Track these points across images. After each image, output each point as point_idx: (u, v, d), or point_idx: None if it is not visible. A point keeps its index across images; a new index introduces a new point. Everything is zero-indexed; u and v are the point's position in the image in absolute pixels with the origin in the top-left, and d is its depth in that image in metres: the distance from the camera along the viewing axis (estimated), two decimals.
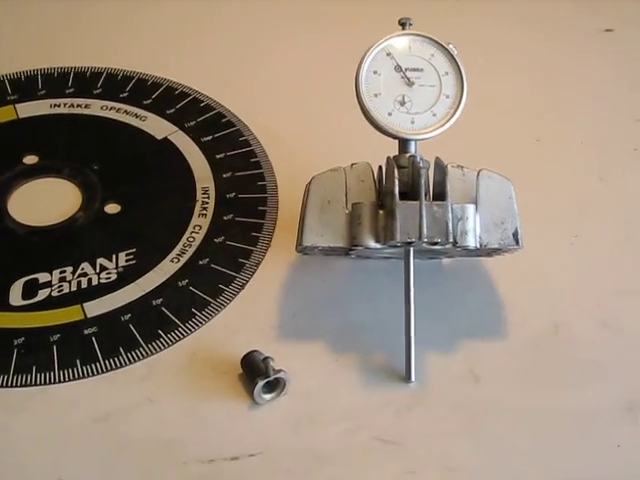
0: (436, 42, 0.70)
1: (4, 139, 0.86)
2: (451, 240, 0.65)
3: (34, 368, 0.69)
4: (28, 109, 0.89)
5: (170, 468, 0.63)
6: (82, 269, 0.75)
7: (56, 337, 0.70)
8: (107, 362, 0.69)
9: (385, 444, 0.65)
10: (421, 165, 0.67)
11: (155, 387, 0.68)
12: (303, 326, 0.72)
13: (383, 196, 0.68)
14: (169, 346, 0.70)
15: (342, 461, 0.64)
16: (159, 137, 0.86)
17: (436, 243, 0.65)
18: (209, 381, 0.68)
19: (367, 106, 0.68)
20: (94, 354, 0.69)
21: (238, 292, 0.74)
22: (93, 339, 0.70)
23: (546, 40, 0.99)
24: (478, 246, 0.67)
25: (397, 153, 0.70)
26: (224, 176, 0.82)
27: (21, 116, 0.88)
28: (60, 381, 0.68)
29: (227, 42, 0.98)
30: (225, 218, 0.79)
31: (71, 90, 0.90)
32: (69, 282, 0.74)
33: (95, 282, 0.74)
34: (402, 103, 0.69)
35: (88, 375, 0.68)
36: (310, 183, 0.69)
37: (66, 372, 0.68)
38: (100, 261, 0.75)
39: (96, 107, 0.89)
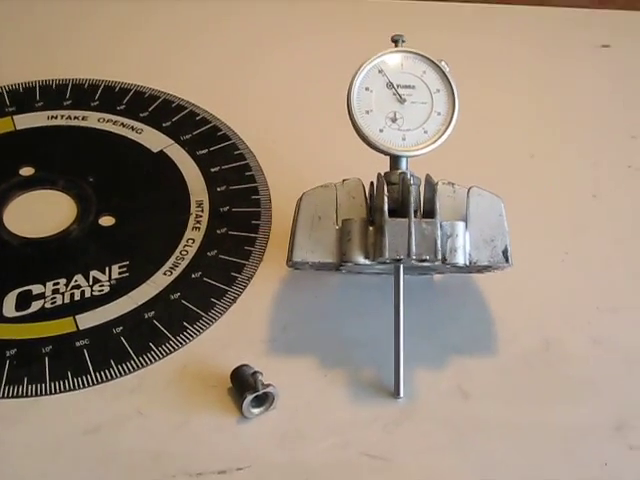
0: (428, 59, 0.71)
1: (1, 150, 0.87)
2: (440, 258, 0.65)
3: (26, 379, 0.69)
4: (25, 121, 0.89)
5: None
6: (75, 281, 0.75)
7: (48, 349, 0.71)
8: (98, 374, 0.69)
9: (373, 460, 0.65)
10: (411, 182, 0.68)
11: (145, 400, 0.68)
12: (293, 340, 0.72)
13: (373, 213, 0.68)
14: (160, 359, 0.70)
15: (330, 476, 0.64)
16: (155, 150, 0.86)
17: (425, 260, 0.65)
18: (199, 394, 0.68)
19: (358, 122, 0.69)
20: (85, 366, 0.70)
21: (230, 306, 0.74)
22: (85, 351, 0.71)
23: (542, 55, 0.99)
24: (467, 263, 0.68)
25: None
26: (218, 190, 0.83)
27: (18, 127, 0.88)
28: (51, 393, 0.68)
29: (224, 56, 0.98)
30: (218, 232, 0.79)
31: (69, 102, 0.91)
32: (62, 294, 0.74)
33: (88, 294, 0.74)
34: (393, 120, 0.69)
35: (79, 387, 0.69)
36: (301, 199, 0.70)
37: (57, 384, 0.69)
38: (93, 273, 0.76)
39: (93, 119, 0.89)
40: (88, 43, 0.99)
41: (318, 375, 0.70)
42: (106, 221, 0.80)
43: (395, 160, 0.70)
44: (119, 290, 0.75)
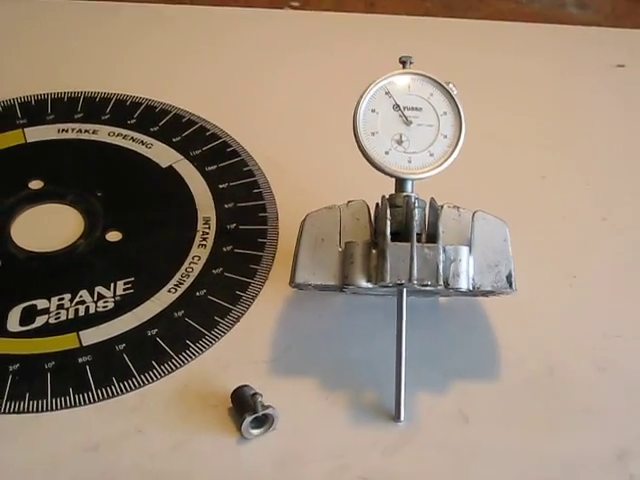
0: (436, 81, 0.70)
1: (11, 163, 0.87)
2: (441, 283, 0.65)
3: (27, 395, 0.69)
4: (36, 133, 0.89)
5: None
6: (80, 297, 0.75)
7: (51, 365, 0.71)
8: (99, 391, 0.69)
9: None
10: (416, 205, 0.67)
11: (145, 418, 0.68)
12: (295, 361, 0.72)
13: (377, 235, 0.68)
14: (161, 377, 0.70)
15: None
16: (164, 165, 0.86)
17: (426, 285, 0.65)
18: (199, 414, 0.68)
19: (364, 144, 0.69)
20: (87, 383, 0.70)
21: (233, 325, 0.74)
22: (87, 368, 0.71)
23: (556, 75, 0.99)
24: (471, 288, 0.67)
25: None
26: (226, 206, 0.83)
27: (29, 140, 0.89)
28: (52, 409, 0.69)
29: (237, 72, 0.98)
30: (224, 249, 0.79)
31: (80, 115, 0.91)
32: (67, 309, 0.74)
33: (92, 310, 0.74)
34: (399, 142, 0.69)
35: (80, 404, 0.69)
36: (304, 220, 0.69)
37: (58, 400, 0.69)
38: (98, 289, 0.76)
39: (103, 133, 0.89)
40: (101, 56, 0.99)
41: (319, 397, 0.70)
42: (113, 236, 0.80)
43: (400, 183, 0.69)
44: (123, 306, 0.75)
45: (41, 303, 0.75)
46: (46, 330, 0.73)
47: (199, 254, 0.79)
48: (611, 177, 0.88)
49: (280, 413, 0.67)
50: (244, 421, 0.66)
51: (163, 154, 0.87)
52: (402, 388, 0.67)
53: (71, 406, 0.69)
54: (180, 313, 0.74)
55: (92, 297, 0.75)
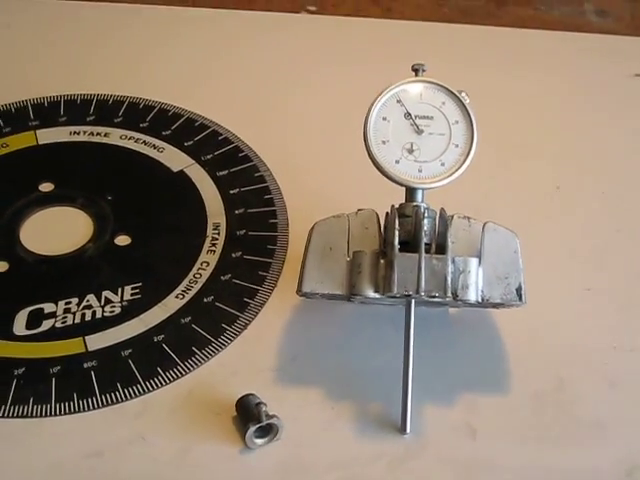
0: (448, 90, 0.70)
1: (22, 165, 0.87)
2: (449, 295, 0.64)
3: (31, 400, 0.69)
4: (48, 135, 0.89)
5: None
6: (87, 301, 0.75)
7: (56, 369, 0.70)
8: (103, 397, 0.69)
9: None
10: (426, 215, 0.67)
11: (149, 425, 0.68)
12: (302, 370, 0.71)
13: (385, 245, 0.67)
14: (166, 384, 0.70)
15: None
16: (175, 169, 0.86)
17: (434, 297, 0.64)
18: (203, 422, 0.68)
19: (374, 152, 0.68)
20: (91, 388, 0.69)
21: (240, 332, 0.73)
22: (92, 373, 0.70)
23: (573, 84, 0.98)
24: (480, 300, 0.66)
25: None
26: (236, 212, 0.82)
27: (41, 142, 0.88)
28: (56, 414, 0.68)
29: (251, 77, 0.98)
30: (233, 255, 0.79)
31: (92, 117, 0.91)
32: (73, 314, 0.74)
33: (99, 315, 0.74)
34: (410, 151, 0.68)
35: (84, 409, 0.68)
36: (312, 229, 0.69)
37: (63, 405, 0.68)
38: (105, 294, 0.75)
39: (115, 136, 0.89)
40: (115, 59, 0.99)
41: (325, 407, 0.69)
42: (122, 240, 0.80)
43: (410, 192, 0.69)
44: (130, 312, 0.74)
45: (48, 307, 0.74)
46: (52, 334, 0.73)
47: (208, 260, 0.78)
48: (626, 188, 0.87)
49: (285, 423, 0.66)
50: (248, 430, 0.65)
51: (174, 158, 0.87)
52: (409, 400, 0.67)
53: (75, 411, 0.68)
54: (187, 319, 0.74)
55: (99, 302, 0.75)
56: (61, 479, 0.65)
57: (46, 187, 0.84)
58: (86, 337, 0.72)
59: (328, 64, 0.99)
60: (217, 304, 0.75)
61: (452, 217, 0.69)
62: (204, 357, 0.71)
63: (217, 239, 0.80)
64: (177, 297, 0.75)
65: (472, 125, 0.69)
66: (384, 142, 0.68)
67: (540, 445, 0.67)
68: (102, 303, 0.75)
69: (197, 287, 0.76)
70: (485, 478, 0.65)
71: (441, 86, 0.70)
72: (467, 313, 0.75)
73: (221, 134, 0.90)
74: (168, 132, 0.89)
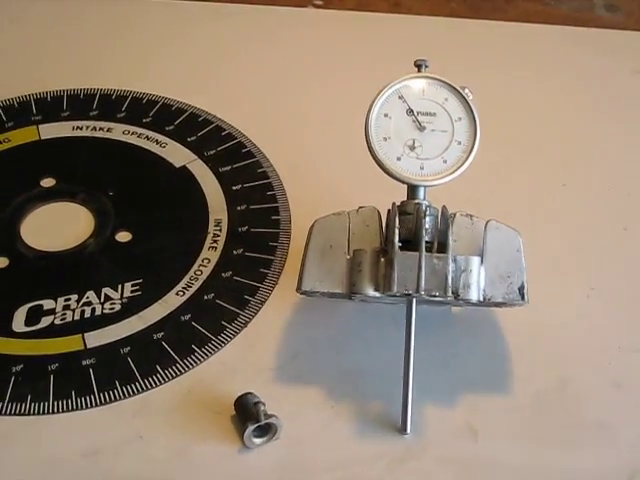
0: (451, 86, 0.69)
1: (24, 160, 0.86)
2: (450, 294, 0.63)
3: (29, 397, 0.68)
4: (50, 130, 0.89)
5: None
6: (87, 298, 0.74)
7: (54, 366, 0.70)
8: (102, 395, 0.68)
9: None
10: (427, 213, 0.66)
11: (147, 424, 0.67)
12: (302, 369, 0.70)
13: (386, 243, 0.66)
14: (165, 382, 0.69)
15: None
16: (177, 165, 0.85)
17: (435, 296, 0.63)
18: (201, 421, 0.67)
19: (375, 149, 0.67)
20: (90, 386, 0.69)
21: (240, 330, 0.73)
22: (90, 371, 0.70)
23: (582, 79, 0.97)
24: (481, 299, 0.66)
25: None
26: (238, 208, 0.81)
27: (43, 137, 0.88)
28: (53, 412, 0.68)
29: (255, 72, 0.97)
30: (235, 252, 0.78)
31: (95, 112, 0.90)
32: (73, 310, 0.73)
33: (98, 312, 0.73)
34: (412, 148, 0.67)
35: (82, 407, 0.68)
36: (312, 226, 0.68)
37: (60, 403, 0.68)
38: (105, 290, 0.75)
39: (118, 131, 0.88)
40: (118, 54, 0.99)
41: (325, 406, 0.68)
42: (123, 237, 0.79)
43: (412, 189, 0.68)
44: (130, 309, 0.74)
45: (47, 303, 0.74)
46: (51, 331, 0.72)
47: (209, 257, 0.77)
48: (634, 186, 0.85)
49: (284, 422, 0.65)
50: (246, 430, 0.64)
51: (177, 154, 0.86)
52: (409, 400, 0.66)
53: (73, 409, 0.68)
54: (187, 317, 0.73)
55: (99, 298, 0.74)
56: (58, 477, 0.64)
57: (48, 182, 0.84)
58: (85, 334, 0.72)
59: (333, 59, 0.98)
60: (218, 301, 0.74)
61: (454, 215, 0.68)
62: (203, 355, 0.71)
63: (219, 235, 0.79)
64: (177, 294, 0.75)
65: (475, 122, 0.68)
66: (386, 139, 0.67)
67: (542, 446, 0.66)
68: (102, 300, 0.74)
69: (198, 284, 0.75)
70: (486, 479, 0.64)
71: (444, 82, 0.69)
72: (469, 312, 0.74)
73: (224, 129, 0.89)
74: (171, 127, 0.89)
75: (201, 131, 0.89)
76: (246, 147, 0.87)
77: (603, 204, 0.84)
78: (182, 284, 0.75)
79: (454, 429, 0.67)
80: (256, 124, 0.89)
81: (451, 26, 1.04)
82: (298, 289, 0.68)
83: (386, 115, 0.68)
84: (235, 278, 0.76)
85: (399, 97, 0.68)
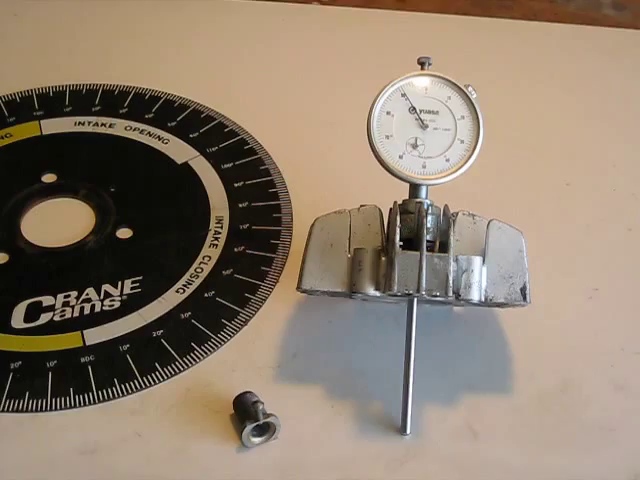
0: (454, 84, 0.68)
1: (25, 155, 0.86)
2: (451, 294, 0.63)
3: (27, 394, 0.68)
4: (52, 126, 0.88)
5: None
6: (87, 294, 0.74)
7: (53, 363, 0.70)
8: (100, 393, 0.68)
9: None
10: (429, 212, 0.65)
11: (145, 422, 0.67)
12: (302, 368, 0.70)
13: (388, 242, 0.66)
14: (164, 380, 0.69)
15: None
16: (179, 162, 0.85)
17: (435, 296, 0.63)
18: (200, 419, 0.67)
19: (377, 147, 0.67)
20: (88, 384, 0.68)
21: (240, 328, 0.72)
22: (89, 368, 0.69)
23: (587, 78, 0.96)
24: (483, 300, 0.65)
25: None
26: (240, 206, 0.81)
27: (44, 133, 0.88)
28: (51, 409, 0.67)
29: (258, 69, 0.96)
30: (236, 250, 0.77)
31: (97, 108, 0.90)
32: (72, 307, 0.73)
33: (98, 309, 0.73)
34: (414, 146, 0.67)
35: (80, 405, 0.67)
36: (313, 224, 0.68)
37: (58, 400, 0.68)
38: (105, 287, 0.74)
39: (120, 127, 0.88)
40: (121, 49, 0.98)
41: (324, 405, 0.68)
42: (123, 233, 0.79)
43: (414, 188, 0.67)
44: (129, 306, 0.73)
45: (47, 300, 0.74)
46: (50, 328, 0.72)
47: (210, 254, 0.77)
48: (639, 187, 0.85)
49: (283, 421, 0.65)
50: (244, 429, 0.64)
51: (179, 150, 0.86)
52: (409, 400, 0.65)
53: (71, 407, 0.67)
54: (187, 315, 0.73)
55: (98, 295, 0.74)
56: (55, 475, 0.64)
57: (49, 178, 0.84)
58: (84, 331, 0.72)
59: (338, 56, 0.98)
60: (218, 299, 0.74)
61: (456, 214, 0.67)
62: (203, 353, 0.70)
63: (220, 233, 0.79)
64: (177, 292, 0.74)
65: (478, 120, 0.67)
66: (388, 137, 0.67)
67: (543, 448, 0.66)
68: (101, 297, 0.74)
69: (198, 282, 0.75)
70: None
71: (447, 80, 0.68)
72: (471, 312, 0.73)
73: (227, 126, 0.88)
74: (173, 123, 0.88)
75: (203, 128, 0.88)
76: (248, 144, 0.87)
77: (607, 204, 0.83)
78: (182, 281, 0.75)
79: (454, 430, 0.66)
80: (259, 121, 0.89)
81: (457, 23, 1.03)
82: (298, 287, 0.67)
83: (388, 113, 0.67)
84: (236, 276, 0.75)
85: (402, 95, 0.68)
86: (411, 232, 0.66)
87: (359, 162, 0.80)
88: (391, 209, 0.68)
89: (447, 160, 0.67)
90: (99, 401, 0.68)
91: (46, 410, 0.67)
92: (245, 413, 0.65)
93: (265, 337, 0.72)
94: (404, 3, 1.07)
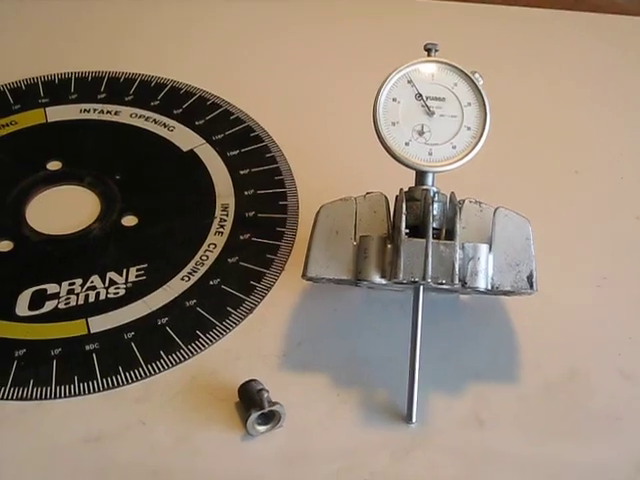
0: (461, 71, 0.67)
1: (30, 143, 0.85)
2: (457, 282, 0.62)
3: (32, 382, 0.68)
4: (57, 113, 0.88)
5: None
6: (91, 282, 0.74)
7: (57, 351, 0.69)
8: (104, 381, 0.68)
9: None
10: (435, 199, 0.65)
11: (149, 410, 0.66)
12: (308, 356, 0.70)
13: (393, 230, 0.65)
14: (169, 368, 0.69)
15: None
16: (185, 149, 0.84)
17: (441, 284, 0.62)
18: (205, 407, 0.66)
19: (383, 134, 0.66)
20: (93, 372, 0.68)
21: (245, 316, 0.72)
22: (94, 356, 0.69)
23: (595, 66, 0.96)
24: (489, 288, 0.65)
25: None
26: (246, 193, 0.80)
27: (50, 120, 0.87)
28: (56, 397, 0.67)
29: (265, 57, 0.96)
30: (242, 237, 0.77)
31: (103, 95, 0.90)
32: (77, 295, 0.73)
33: (103, 296, 0.73)
34: (421, 133, 0.66)
35: (84, 393, 0.67)
36: (319, 212, 0.67)
37: (63, 388, 0.67)
38: (110, 275, 0.74)
39: (125, 115, 0.87)
40: (128, 36, 0.98)
41: (330, 393, 0.67)
42: (129, 221, 0.79)
43: (420, 175, 0.67)
44: (134, 293, 0.73)
45: (51, 287, 0.73)
46: (55, 315, 0.72)
47: (215, 242, 0.77)
48: None
49: (288, 410, 0.65)
50: (249, 417, 0.64)
51: (185, 137, 0.85)
52: (415, 388, 0.65)
53: (75, 395, 0.67)
54: (192, 302, 0.72)
55: (103, 283, 0.73)
56: (59, 463, 0.64)
57: (54, 165, 0.83)
58: (89, 319, 0.71)
59: (343, 43, 0.97)
60: (223, 287, 0.73)
61: (463, 202, 0.67)
62: (208, 341, 0.70)
63: (225, 220, 0.78)
64: (183, 279, 0.74)
65: (485, 107, 0.67)
66: (394, 124, 0.66)
67: (549, 437, 0.65)
68: (106, 284, 0.73)
69: (203, 269, 0.75)
70: (492, 470, 0.64)
71: (454, 67, 0.68)
72: (477, 300, 0.73)
73: (233, 113, 0.88)
74: (179, 111, 0.88)
75: (209, 115, 0.88)
76: (254, 131, 0.86)
77: (615, 192, 0.83)
78: (187, 269, 0.74)
79: (460, 419, 0.66)
80: (265, 108, 0.89)
81: (463, 10, 1.03)
82: (304, 275, 0.67)
83: (395, 100, 0.67)
84: (241, 264, 0.75)
85: (408, 81, 0.67)
86: (417, 220, 0.65)
87: (365, 149, 0.79)
88: (397, 196, 0.67)
89: (454, 147, 0.66)
90: (103, 389, 0.67)
91: (50, 398, 0.67)
92: (250, 401, 0.64)
93: (270, 325, 0.71)
94: None
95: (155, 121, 0.87)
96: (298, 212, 0.79)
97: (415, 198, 0.66)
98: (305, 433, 0.65)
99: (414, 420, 0.65)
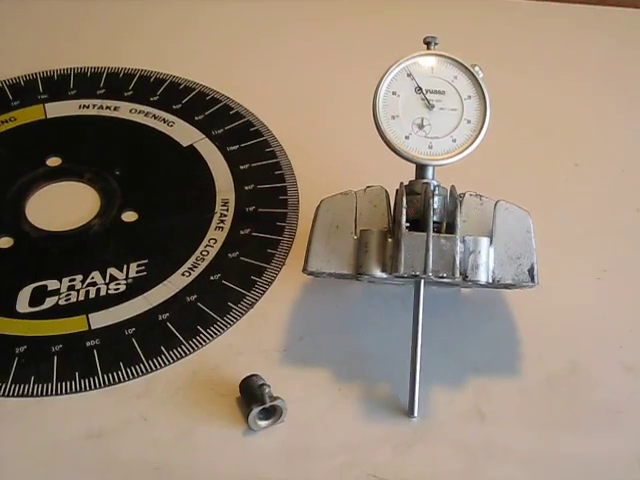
0: (460, 64, 0.67)
1: (30, 139, 0.85)
2: (458, 275, 0.62)
3: (32, 378, 0.68)
4: (57, 109, 0.88)
5: None
6: (92, 278, 0.74)
7: (58, 348, 0.69)
8: (106, 377, 0.68)
9: None
10: (436, 192, 0.65)
11: (151, 406, 0.66)
12: (309, 351, 0.69)
13: (394, 224, 0.65)
14: (170, 364, 0.69)
15: None
16: (185, 144, 0.84)
17: (442, 277, 0.62)
18: (206, 403, 0.66)
19: (383, 128, 0.66)
20: (94, 368, 0.68)
21: (246, 311, 0.72)
22: (94, 352, 0.69)
23: (596, 59, 0.95)
24: (490, 281, 0.64)
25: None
26: (246, 188, 0.80)
27: (49, 116, 0.87)
28: (57, 393, 0.67)
29: (264, 52, 0.96)
30: (242, 232, 0.77)
31: (102, 91, 0.89)
32: (77, 291, 0.73)
33: (103, 292, 0.73)
34: (420, 126, 0.66)
35: (85, 389, 0.67)
36: (319, 206, 0.67)
37: (64, 385, 0.67)
38: (111, 271, 0.74)
39: (125, 110, 0.87)
40: (127, 32, 0.98)
41: (331, 388, 0.67)
42: (129, 217, 0.79)
43: (420, 169, 0.67)
44: (135, 289, 0.73)
45: (52, 284, 0.73)
46: (55, 312, 0.72)
47: (216, 237, 0.76)
48: None
49: (290, 404, 0.65)
50: (251, 412, 0.64)
51: (185, 133, 0.85)
52: (417, 382, 0.65)
53: (76, 391, 0.67)
54: (193, 298, 0.72)
55: (104, 279, 0.73)
56: (61, 459, 0.64)
57: (54, 162, 0.83)
58: (89, 315, 0.71)
59: (343, 38, 0.97)
60: (224, 282, 0.73)
61: (463, 195, 0.67)
62: (209, 336, 0.70)
63: (226, 215, 0.78)
64: (183, 275, 0.74)
65: (485, 100, 0.67)
66: (394, 117, 0.66)
67: (551, 430, 0.65)
68: (107, 280, 0.73)
69: (204, 264, 0.74)
70: (493, 464, 0.64)
71: (453, 60, 0.67)
72: (479, 294, 0.73)
73: (232, 108, 0.88)
74: (179, 106, 0.88)
75: (209, 110, 0.88)
76: (254, 126, 0.86)
77: (616, 185, 0.83)
78: (188, 264, 0.74)
79: (462, 412, 0.66)
80: (264, 103, 0.88)
81: (463, 3, 1.02)
82: (304, 270, 0.67)
83: (394, 93, 0.67)
84: (242, 259, 0.75)
85: (408, 75, 0.67)
86: (417, 213, 0.65)
87: (365, 143, 0.79)
88: (397, 190, 0.67)
89: (454, 140, 0.66)
90: (104, 385, 0.67)
91: (51, 394, 0.67)
92: (251, 396, 0.64)
93: (271, 320, 0.71)
94: None
95: (155, 116, 0.87)
96: (298, 207, 0.79)
97: (415, 192, 0.65)
98: (307, 428, 0.65)
99: (416, 414, 0.65)
